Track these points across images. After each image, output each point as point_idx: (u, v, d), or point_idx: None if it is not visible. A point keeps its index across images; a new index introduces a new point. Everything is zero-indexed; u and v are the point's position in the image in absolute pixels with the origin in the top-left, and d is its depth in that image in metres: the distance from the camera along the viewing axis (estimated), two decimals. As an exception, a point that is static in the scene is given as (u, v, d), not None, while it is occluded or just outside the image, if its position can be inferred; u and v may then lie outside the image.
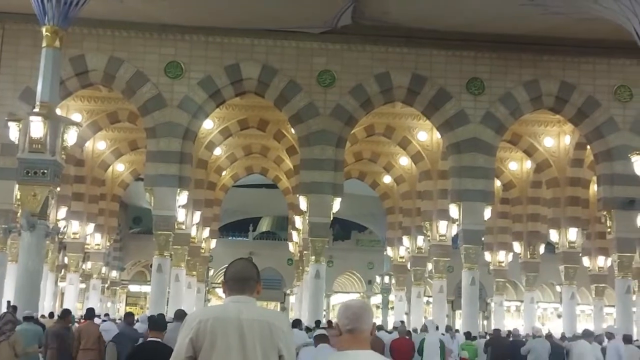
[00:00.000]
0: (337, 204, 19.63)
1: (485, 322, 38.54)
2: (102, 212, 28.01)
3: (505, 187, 28.00)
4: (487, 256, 28.51)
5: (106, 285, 35.79)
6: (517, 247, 27.76)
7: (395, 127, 24.66)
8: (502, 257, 28.61)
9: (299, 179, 20.40)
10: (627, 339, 14.34)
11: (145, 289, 40.10)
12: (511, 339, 17.56)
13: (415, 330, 17.32)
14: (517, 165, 27.64)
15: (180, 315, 10.20)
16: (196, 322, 3.38)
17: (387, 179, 30.12)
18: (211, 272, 38.54)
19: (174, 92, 19.44)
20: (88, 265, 29.24)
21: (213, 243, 30.48)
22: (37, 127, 14.37)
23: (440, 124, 20.30)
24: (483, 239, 21.51)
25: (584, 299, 36.11)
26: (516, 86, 20.10)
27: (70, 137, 15.02)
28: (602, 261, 26.70)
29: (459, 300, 22.52)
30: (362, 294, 44.50)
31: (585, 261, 26.57)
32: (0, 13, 18.91)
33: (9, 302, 14.32)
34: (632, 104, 20.16)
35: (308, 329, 15.06)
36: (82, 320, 15.81)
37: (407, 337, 13.65)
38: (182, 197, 19.60)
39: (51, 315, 18.11)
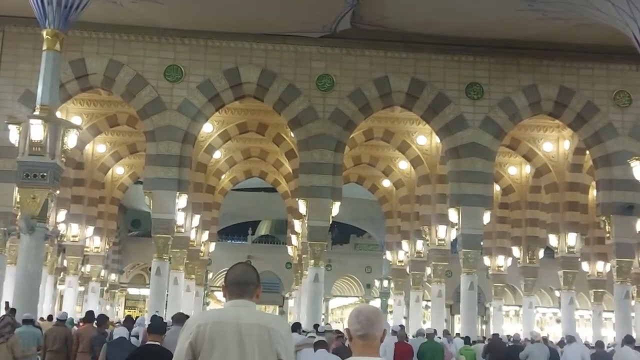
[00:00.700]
0: (336, 208, 19.64)
1: (484, 327, 38.53)
2: (102, 215, 28.00)
3: (504, 191, 28.02)
4: (486, 261, 28.51)
5: (105, 288, 35.73)
6: (516, 251, 27.76)
7: (394, 131, 24.69)
8: (501, 261, 28.62)
9: (298, 182, 20.42)
10: (628, 340, 14.35)
11: (144, 292, 40.09)
12: (511, 343, 17.54)
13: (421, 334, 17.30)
14: (516, 170, 27.66)
15: (179, 318, 10.18)
16: (195, 326, 3.40)
17: (386, 183, 30.14)
18: (210, 276, 38.51)
19: (173, 96, 19.46)
20: (87, 268, 29.22)
21: (212, 246, 30.47)
22: (37, 130, 14.39)
23: (439, 128, 20.33)
24: (482, 243, 21.54)
25: (583, 304, 36.11)
26: (515, 91, 20.14)
27: (70, 140, 15.04)
28: (601, 266, 26.72)
29: (458, 305, 22.52)
30: (360, 298, 44.48)
31: (584, 266, 26.59)
32: (0, 16, 18.94)
33: (7, 303, 14.32)
34: (631, 109, 20.20)
35: (306, 333, 15.05)
36: (81, 324, 15.80)
37: (405, 341, 13.68)
38: (182, 201, 19.61)
39: (50, 318, 18.08)
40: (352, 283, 47.24)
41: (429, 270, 26.21)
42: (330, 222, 19.99)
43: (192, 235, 25.44)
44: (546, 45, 19.63)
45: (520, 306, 35.26)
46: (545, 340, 16.04)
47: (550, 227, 24.68)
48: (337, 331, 14.02)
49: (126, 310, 41.19)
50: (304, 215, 20.38)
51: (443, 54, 20.12)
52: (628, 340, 13.94)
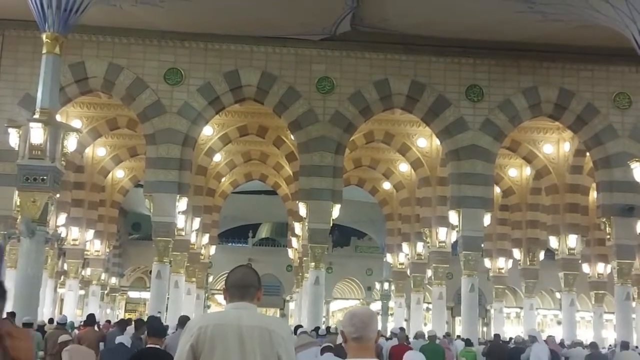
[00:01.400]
0: (336, 211, 19.63)
1: (485, 329, 38.49)
2: (102, 219, 27.99)
3: (504, 193, 28.02)
4: (487, 263, 28.50)
5: (106, 292, 35.72)
6: (516, 253, 27.73)
7: (395, 133, 24.69)
8: (502, 263, 28.60)
9: (298, 185, 20.41)
10: (625, 346, 14.38)
11: (145, 295, 40.04)
12: (512, 345, 17.52)
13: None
14: (517, 172, 27.65)
15: (184, 321, 10.18)
16: (196, 328, 3.40)
17: (386, 186, 30.14)
18: (210, 279, 38.47)
19: (173, 99, 19.47)
20: (87, 271, 29.21)
21: (212, 249, 30.45)
22: (37, 134, 14.38)
23: (440, 130, 20.33)
24: (482, 245, 21.52)
25: (584, 306, 36.07)
26: (515, 93, 20.14)
27: (70, 143, 15.03)
28: (601, 268, 26.68)
29: (459, 307, 22.49)
30: (361, 300, 44.44)
31: (585, 268, 26.56)
32: (0, 20, 18.95)
33: None
34: (631, 111, 20.20)
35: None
36: (81, 327, 15.80)
37: (405, 343, 13.66)
38: (182, 204, 19.60)
39: (51, 321, 18.07)
40: (352, 285, 47.21)
41: (429, 273, 26.19)
42: (331, 225, 19.98)
43: (193, 239, 25.43)
44: (546, 47, 19.64)
45: (521, 308, 35.22)
46: (546, 342, 16.02)
47: (550, 228, 24.67)
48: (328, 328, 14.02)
49: (127, 314, 41.16)
50: (305, 218, 20.37)
51: (443, 56, 20.13)
52: (624, 346, 13.99)
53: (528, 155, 24.71)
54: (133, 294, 45.88)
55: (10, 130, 15.32)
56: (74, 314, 24.88)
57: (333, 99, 19.81)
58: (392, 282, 31.08)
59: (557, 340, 19.13)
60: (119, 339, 8.43)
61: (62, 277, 29.45)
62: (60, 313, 25.28)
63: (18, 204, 15.23)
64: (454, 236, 22.93)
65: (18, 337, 2.24)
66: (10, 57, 19.18)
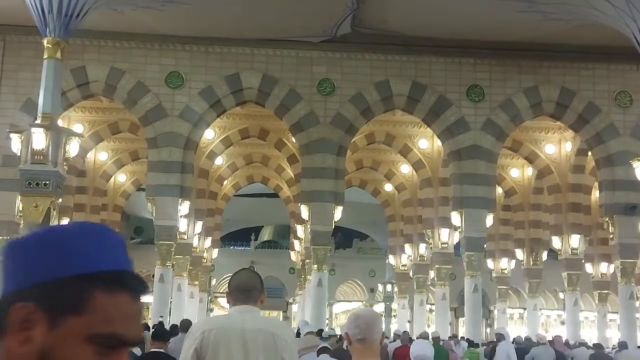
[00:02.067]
0: (338, 213, 19.63)
1: (488, 330, 38.44)
2: (104, 223, 27.95)
3: (506, 193, 27.99)
4: (490, 263, 28.46)
5: (108, 296, 35.68)
6: (519, 254, 27.70)
7: (396, 134, 24.69)
8: (505, 264, 28.56)
9: (300, 187, 20.41)
10: (623, 345, 14.38)
11: (148, 299, 40.04)
12: (515, 346, 17.46)
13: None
14: (519, 172, 27.63)
15: (186, 325, 10.17)
16: (200, 332, 3.40)
17: (388, 187, 30.13)
18: (213, 282, 38.50)
19: (174, 102, 19.49)
20: (90, 276, 29.19)
21: (215, 253, 30.46)
22: (39, 139, 14.40)
23: (441, 131, 20.32)
24: (485, 246, 21.48)
25: (587, 306, 35.99)
26: (516, 93, 20.14)
27: (72, 148, 15.06)
28: (604, 267, 26.63)
29: (462, 308, 22.49)
30: (364, 302, 44.41)
31: (588, 267, 26.51)
32: (1, 25, 18.99)
33: None
34: (633, 110, 20.19)
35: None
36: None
37: (409, 345, 13.64)
38: (184, 207, 19.61)
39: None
40: (355, 287, 47.19)
41: (432, 274, 26.17)
42: (333, 227, 19.98)
43: (195, 242, 25.43)
44: (547, 46, 19.64)
45: (524, 308, 35.18)
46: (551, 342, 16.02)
47: (553, 228, 24.64)
48: (340, 337, 13.98)
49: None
50: (307, 220, 20.36)
51: (443, 56, 20.13)
52: (623, 346, 14.02)
53: (530, 155, 24.69)
54: (136, 298, 45.83)
55: (13, 135, 15.35)
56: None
57: (334, 100, 19.82)
58: (395, 284, 31.06)
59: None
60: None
61: (65, 282, 29.44)
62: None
63: (20, 209, 15.24)
64: (456, 237, 22.92)
65: None
66: (12, 62, 19.20)
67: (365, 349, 3.02)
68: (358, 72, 20.04)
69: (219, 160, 26.33)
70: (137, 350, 8.66)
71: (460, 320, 35.74)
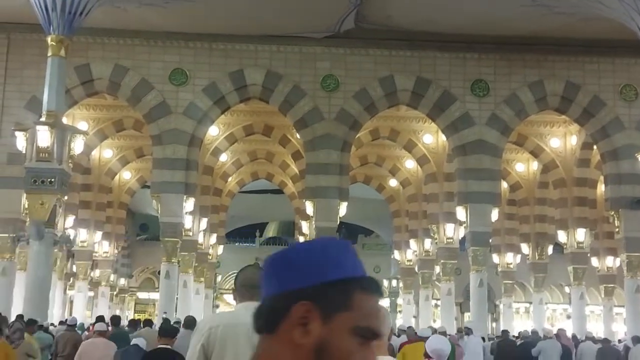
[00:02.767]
0: (343, 209, 19.63)
1: (494, 324, 38.41)
2: (110, 220, 28.07)
3: (511, 188, 27.94)
4: (495, 258, 28.42)
5: (115, 293, 35.83)
6: (525, 248, 27.67)
7: (400, 130, 24.65)
8: (510, 258, 28.53)
9: (304, 183, 20.42)
10: (636, 340, 14.35)
11: (154, 295, 40.13)
12: (520, 340, 17.48)
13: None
14: (524, 166, 27.57)
15: (190, 322, 10.18)
16: (207, 328, 3.41)
17: (392, 183, 30.10)
18: (219, 278, 38.55)
19: (178, 99, 19.50)
20: (96, 273, 29.28)
21: (220, 249, 30.49)
22: (44, 136, 14.45)
23: (446, 126, 20.29)
24: (490, 240, 21.47)
25: (593, 300, 35.92)
26: (521, 87, 20.08)
27: (77, 145, 15.11)
28: (610, 261, 26.60)
29: (467, 303, 22.47)
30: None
31: (594, 261, 26.47)
32: (5, 23, 19.03)
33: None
34: (638, 103, 20.13)
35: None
36: (91, 328, 15.84)
37: (414, 339, 13.64)
38: (189, 204, 19.64)
39: (62, 322, 18.14)
40: (361, 283, 47.16)
41: (437, 269, 26.15)
42: (338, 223, 19.98)
43: (200, 239, 25.46)
44: (551, 40, 19.58)
45: (530, 303, 35.10)
46: (559, 336, 16.02)
47: (558, 222, 24.60)
48: None
49: (136, 315, 41.26)
50: (312, 217, 20.37)
51: (448, 51, 20.08)
52: (637, 340, 13.99)
53: (535, 149, 24.63)
54: (142, 295, 45.99)
55: (18, 133, 15.41)
56: (83, 316, 24.96)
57: (338, 96, 19.80)
58: (400, 279, 31.04)
59: (569, 334, 19.10)
60: (134, 340, 8.43)
61: (71, 279, 29.55)
62: (70, 315, 25.41)
63: (26, 206, 15.30)
64: (461, 232, 22.88)
65: None
66: (17, 60, 19.23)
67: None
68: (362, 68, 20.02)
69: (223, 157, 26.35)
70: (141, 341, 8.67)
71: (466, 315, 35.74)
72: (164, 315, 16.94)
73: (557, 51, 20.08)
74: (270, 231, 55.01)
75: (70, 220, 23.45)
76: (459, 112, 19.92)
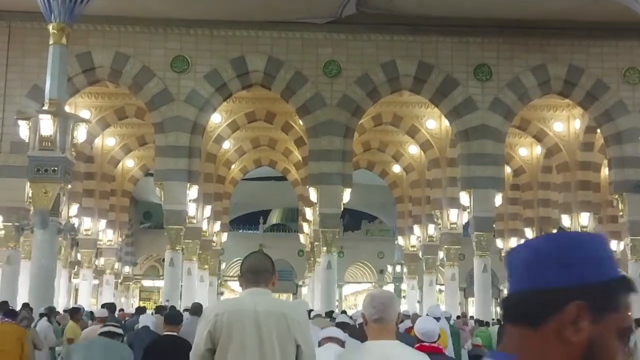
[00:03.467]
0: (347, 195, 19.63)
1: (498, 309, 38.51)
2: (113, 208, 28.12)
3: (515, 173, 27.91)
4: (499, 243, 28.44)
5: (119, 281, 35.96)
6: (528, 233, 27.69)
7: (403, 115, 24.59)
8: (514, 243, 28.50)
9: (307, 170, 20.41)
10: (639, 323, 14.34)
11: (159, 283, 40.31)
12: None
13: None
14: (527, 150, 27.52)
15: (197, 309, 10.20)
16: (213, 315, 3.42)
17: (396, 168, 30.07)
18: (223, 266, 38.67)
19: (180, 87, 19.46)
20: (101, 261, 29.39)
21: (224, 236, 30.57)
22: (47, 125, 14.44)
23: (448, 111, 20.23)
24: (494, 225, 21.46)
25: (597, 283, 36.05)
26: (524, 71, 19.99)
27: (80, 134, 15.10)
28: (614, 245, 26.55)
29: (471, 288, 22.51)
30: (373, 283, 44.55)
31: (598, 245, 26.43)
32: (6, 12, 18.96)
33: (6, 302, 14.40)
34: (642, 86, 20.03)
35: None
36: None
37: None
38: (192, 192, 19.65)
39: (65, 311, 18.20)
40: (364, 269, 47.33)
41: (441, 254, 26.17)
42: (342, 209, 19.99)
43: (204, 226, 25.51)
44: (554, 24, 19.46)
45: (533, 287, 35.10)
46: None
47: (562, 207, 24.58)
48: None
49: (141, 302, 41.43)
50: (315, 203, 20.38)
51: (450, 36, 19.98)
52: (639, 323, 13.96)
53: (538, 133, 24.56)
54: (147, 283, 46.19)
55: (20, 122, 15.38)
56: (88, 304, 25.05)
57: (340, 82, 19.74)
58: (404, 265, 31.10)
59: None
60: (143, 322, 8.40)
61: (76, 267, 29.65)
62: (75, 303, 25.52)
63: (30, 195, 15.31)
64: (465, 217, 22.90)
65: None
66: (18, 49, 19.20)
67: (381, 329, 3.02)
68: (364, 53, 19.94)
69: (226, 144, 26.34)
70: (150, 321, 8.67)
71: (470, 300, 35.81)
72: (166, 303, 16.98)
73: (560, 35, 19.96)
74: (274, 218, 55.14)
75: (74, 208, 23.51)
76: (461, 97, 19.85)
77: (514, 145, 26.95)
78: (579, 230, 22.55)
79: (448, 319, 14.35)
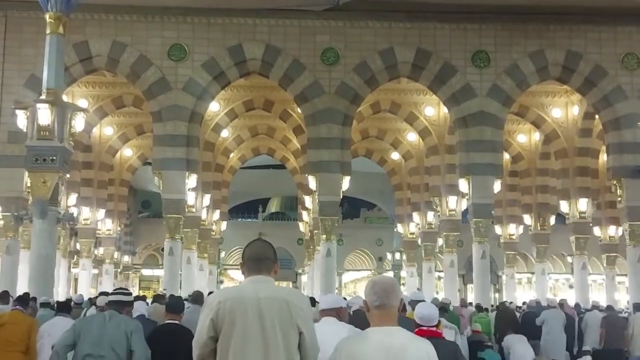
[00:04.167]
0: (345, 182, 19.63)
1: (497, 295, 38.65)
2: (112, 197, 28.11)
3: (513, 159, 27.93)
4: (498, 229, 28.50)
5: (119, 270, 36.01)
6: (527, 219, 27.75)
7: (401, 103, 24.56)
8: (513, 229, 28.59)
9: (306, 158, 20.40)
10: (638, 307, 14.41)
11: (158, 272, 40.37)
12: (525, 309, 17.50)
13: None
14: (525, 137, 27.52)
15: (197, 297, 10.22)
16: (216, 302, 3.43)
17: (394, 156, 30.07)
18: (222, 254, 38.73)
19: (178, 75, 19.40)
20: (100, 250, 29.42)
21: (223, 225, 30.59)
22: (44, 114, 14.39)
23: (447, 98, 20.20)
24: (493, 212, 21.48)
25: (596, 269, 36.10)
26: (522, 57, 19.94)
27: (78, 123, 15.05)
28: (613, 230, 26.64)
29: (470, 274, 22.57)
30: (373, 271, 44.65)
31: (596, 231, 26.53)
32: (3, 1, 18.89)
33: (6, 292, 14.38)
34: (640, 72, 20.00)
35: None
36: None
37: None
38: (191, 180, 19.64)
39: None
40: (364, 257, 47.42)
41: (440, 241, 26.25)
42: (341, 197, 20.00)
43: (203, 215, 25.52)
44: (552, 9, 19.40)
45: (532, 273, 35.33)
46: (562, 305, 16.10)
47: (561, 193, 24.62)
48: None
49: (141, 291, 41.51)
50: (314, 191, 20.39)
51: (448, 22, 19.91)
52: (638, 307, 14.04)
53: (537, 119, 24.55)
54: (146, 272, 46.26)
55: (18, 111, 15.33)
56: (88, 293, 25.10)
57: (338, 70, 19.69)
58: (403, 252, 31.16)
59: (571, 304, 19.19)
60: (138, 310, 8.23)
61: (75, 257, 29.69)
62: (75, 292, 25.56)
63: (28, 185, 15.30)
64: (464, 204, 22.93)
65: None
66: (15, 39, 19.12)
67: (383, 315, 3.03)
68: (362, 41, 19.87)
69: (224, 133, 26.30)
70: (144, 309, 8.60)
71: (469, 286, 35.94)
72: (163, 292, 17.02)
73: (558, 20, 19.90)
74: (273, 206, 55.11)
75: (72, 198, 23.50)
76: (459, 83, 19.82)
77: (513, 131, 26.95)
78: (577, 216, 22.55)
79: (447, 305, 14.41)
